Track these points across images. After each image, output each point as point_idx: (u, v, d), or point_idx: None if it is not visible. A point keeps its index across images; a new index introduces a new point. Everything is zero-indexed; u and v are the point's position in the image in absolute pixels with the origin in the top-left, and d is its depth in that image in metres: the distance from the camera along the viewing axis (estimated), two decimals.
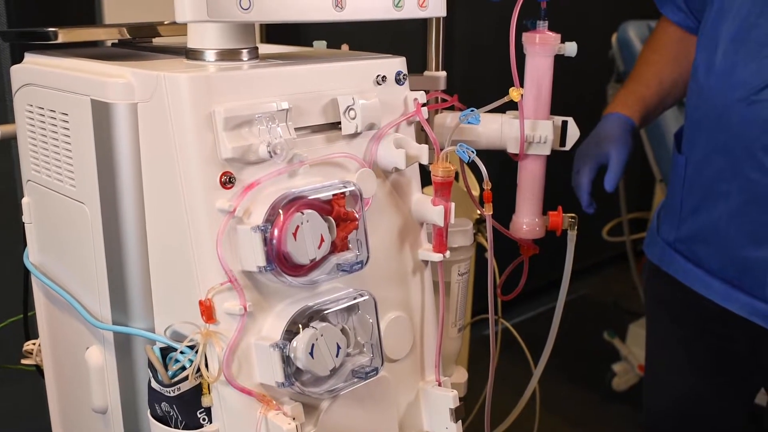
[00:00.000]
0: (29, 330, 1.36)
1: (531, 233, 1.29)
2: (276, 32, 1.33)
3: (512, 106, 1.17)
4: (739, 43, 1.29)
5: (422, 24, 1.27)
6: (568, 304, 1.45)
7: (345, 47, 1.32)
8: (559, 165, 1.43)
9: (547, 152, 1.23)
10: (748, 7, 1.28)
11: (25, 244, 1.22)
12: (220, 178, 0.92)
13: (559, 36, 1.21)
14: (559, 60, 1.23)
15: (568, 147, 1.25)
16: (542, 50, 1.20)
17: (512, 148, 1.23)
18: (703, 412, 1.58)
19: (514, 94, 1.11)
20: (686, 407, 1.59)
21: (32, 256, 1.20)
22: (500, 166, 1.28)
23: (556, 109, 1.25)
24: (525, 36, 1.21)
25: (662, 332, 1.60)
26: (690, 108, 1.44)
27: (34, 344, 1.30)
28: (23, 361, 1.33)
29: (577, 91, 2.52)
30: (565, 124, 1.24)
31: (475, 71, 2.86)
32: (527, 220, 1.28)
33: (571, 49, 1.21)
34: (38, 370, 1.31)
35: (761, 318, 1.34)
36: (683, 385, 1.57)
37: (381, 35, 1.54)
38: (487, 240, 1.55)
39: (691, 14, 1.49)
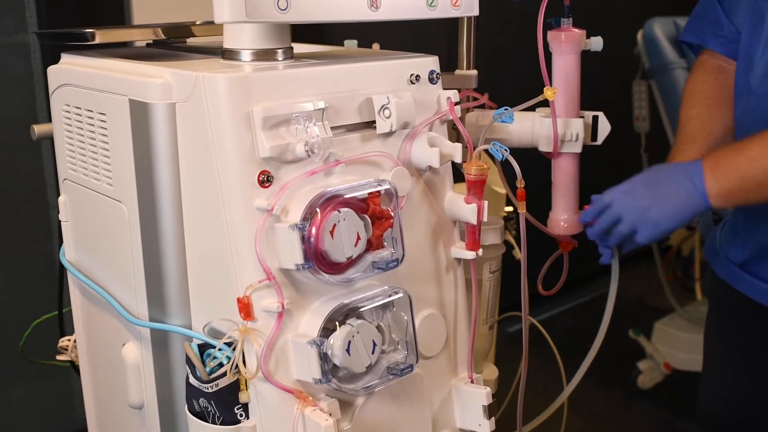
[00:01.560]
0: (64, 326, 1.38)
1: (570, 229, 1.30)
2: (302, 31, 1.33)
3: (540, 103, 1.17)
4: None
5: (447, 23, 1.27)
6: (593, 302, 1.45)
7: (376, 46, 1.32)
8: (588, 160, 1.42)
9: (579, 149, 1.23)
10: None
11: (61, 242, 1.23)
12: (258, 176, 0.93)
13: (584, 32, 1.21)
14: (585, 57, 1.23)
15: (599, 142, 1.26)
16: (569, 48, 1.21)
17: (544, 147, 1.24)
18: (762, 416, 1.57)
19: (548, 93, 1.11)
20: (745, 410, 1.58)
21: (68, 254, 1.22)
22: (529, 163, 1.28)
23: (582, 106, 1.26)
24: (551, 34, 1.21)
25: (725, 337, 1.58)
26: (739, 128, 1.38)
27: (69, 340, 1.32)
28: (58, 357, 1.34)
29: (603, 89, 2.52)
30: (596, 119, 1.24)
31: (497, 70, 2.86)
32: (565, 217, 1.29)
33: (597, 43, 1.21)
34: (73, 366, 1.33)
35: None
36: (742, 387, 1.56)
37: (401, 34, 1.54)
38: (514, 238, 1.57)
39: (733, 41, 1.43)
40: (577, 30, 1.21)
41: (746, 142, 1.18)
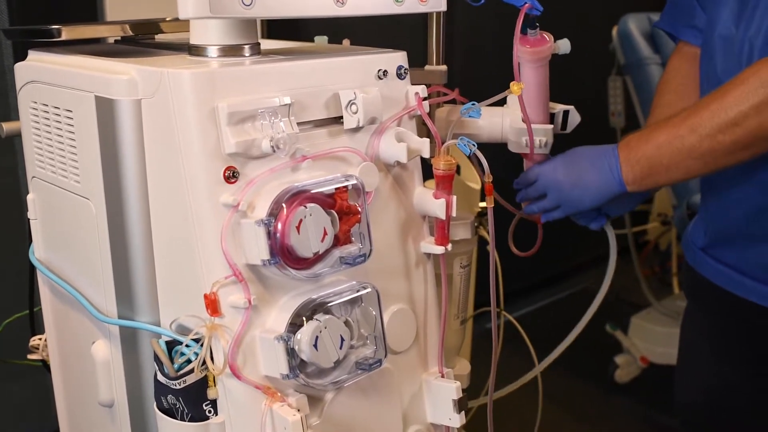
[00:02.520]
0: (35, 325, 1.37)
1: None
2: (277, 28, 1.34)
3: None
4: (728, 51, 1.28)
5: (422, 18, 1.28)
6: (570, 297, 1.46)
7: (346, 42, 1.32)
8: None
9: (547, 152, 1.25)
10: (732, 17, 1.28)
11: (30, 240, 1.22)
12: (224, 172, 0.92)
13: (551, 42, 1.20)
14: (559, 54, 1.23)
15: (568, 130, 1.28)
16: (534, 62, 1.20)
17: (512, 148, 1.25)
18: (736, 404, 1.58)
19: (514, 88, 1.11)
20: (719, 398, 1.59)
21: (38, 252, 1.21)
22: (506, 156, 1.29)
23: (558, 102, 1.27)
24: (516, 46, 1.19)
25: (696, 325, 1.60)
26: None
27: (40, 339, 1.31)
28: (30, 356, 1.34)
29: (578, 85, 2.53)
30: (566, 113, 1.25)
31: (474, 66, 2.87)
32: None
33: (564, 46, 1.21)
34: (44, 365, 1.32)
35: None
36: (716, 375, 1.57)
37: (381, 30, 1.55)
38: (488, 233, 1.57)
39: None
40: (544, 43, 1.19)
41: (655, 128, 1.23)
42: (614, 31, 2.80)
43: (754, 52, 1.21)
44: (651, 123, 1.42)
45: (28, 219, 1.21)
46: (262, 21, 1.33)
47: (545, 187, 1.28)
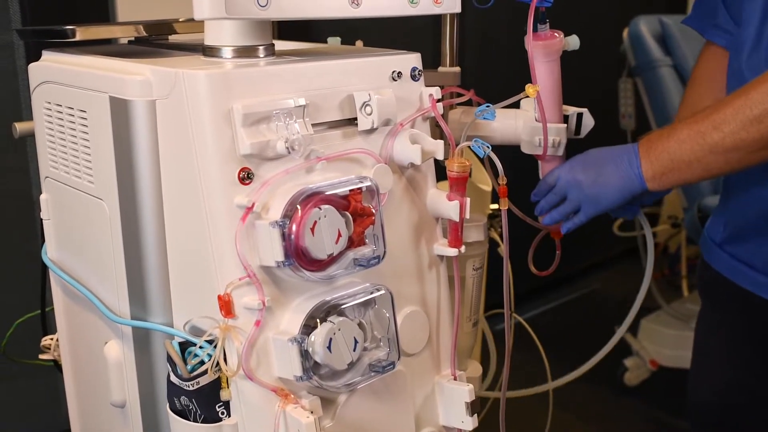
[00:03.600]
0: (47, 325, 1.38)
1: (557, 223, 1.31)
2: (288, 28, 1.34)
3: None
4: (754, 49, 1.28)
5: (433, 20, 1.27)
6: (579, 299, 1.46)
7: (359, 43, 1.32)
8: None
9: (560, 153, 1.24)
10: (759, 16, 1.28)
11: (43, 240, 1.23)
12: (239, 174, 0.92)
13: (561, 38, 1.20)
14: (571, 55, 1.23)
15: (582, 135, 1.27)
16: (546, 56, 1.21)
17: (525, 149, 1.24)
18: (748, 404, 1.58)
19: (530, 90, 1.11)
20: (731, 398, 1.59)
21: (50, 252, 1.21)
22: (519, 159, 1.29)
23: (569, 104, 1.26)
24: (527, 42, 1.19)
25: (710, 324, 1.60)
26: None
27: (51, 339, 1.31)
28: (41, 356, 1.34)
29: (589, 86, 2.53)
30: (580, 116, 1.25)
31: (486, 67, 2.86)
32: None
33: (574, 42, 1.21)
34: (56, 365, 1.32)
35: None
36: (730, 375, 1.58)
37: (392, 31, 1.55)
38: (499, 235, 1.57)
39: (729, 32, 1.47)
40: (554, 38, 1.20)
41: (677, 125, 1.21)
42: (625, 33, 2.79)
43: None
44: (676, 118, 1.43)
45: (41, 219, 1.21)
46: (273, 22, 1.33)
47: (565, 188, 1.26)
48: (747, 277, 1.41)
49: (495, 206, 1.75)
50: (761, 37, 1.25)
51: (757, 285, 1.40)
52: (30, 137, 1.23)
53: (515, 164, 1.29)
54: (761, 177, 1.30)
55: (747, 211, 1.36)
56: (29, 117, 1.22)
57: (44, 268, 1.27)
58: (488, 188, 1.78)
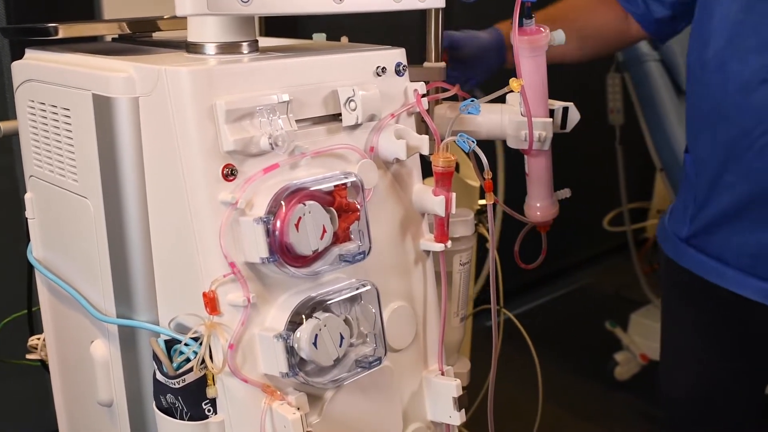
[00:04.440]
0: (33, 325, 1.37)
1: (544, 216, 1.32)
2: (275, 25, 1.33)
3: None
4: (728, 39, 1.31)
5: (420, 15, 1.27)
6: (569, 295, 1.47)
7: (344, 39, 1.32)
8: (564, 152, 1.42)
9: (546, 148, 1.24)
10: (733, 5, 1.30)
11: (28, 240, 1.22)
12: (222, 170, 0.92)
13: (547, 33, 1.20)
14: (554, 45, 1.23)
15: (568, 129, 1.27)
16: (532, 51, 1.21)
17: (511, 144, 1.24)
18: (720, 397, 1.60)
19: (514, 84, 1.11)
20: (703, 392, 1.61)
21: (36, 252, 1.21)
22: (506, 154, 1.29)
23: (558, 98, 1.26)
24: (512, 38, 1.19)
25: (680, 319, 1.62)
26: (690, 107, 1.46)
27: (38, 339, 1.31)
28: (28, 356, 1.33)
29: (576, 81, 2.53)
30: (566, 110, 1.25)
31: None
32: (539, 204, 1.31)
33: (559, 38, 1.22)
34: (43, 364, 1.32)
35: None
36: (701, 369, 1.59)
37: (379, 27, 1.54)
38: (487, 230, 1.57)
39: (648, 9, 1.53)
40: (540, 33, 1.20)
41: None
42: None
43: None
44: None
45: (26, 218, 1.21)
46: (259, 18, 1.32)
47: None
48: (716, 271, 1.42)
49: (483, 201, 1.75)
50: (736, 25, 1.28)
51: (727, 279, 1.41)
52: (14, 136, 1.23)
53: (506, 160, 1.29)
54: (730, 166, 1.33)
55: (720, 200, 1.37)
56: (13, 116, 1.21)
57: (30, 268, 1.26)
58: (476, 184, 1.78)
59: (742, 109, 1.29)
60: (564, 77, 1.39)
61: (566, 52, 1.45)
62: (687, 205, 1.49)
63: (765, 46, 1.27)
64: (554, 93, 1.26)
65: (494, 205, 1.15)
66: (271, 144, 0.92)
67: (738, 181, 1.34)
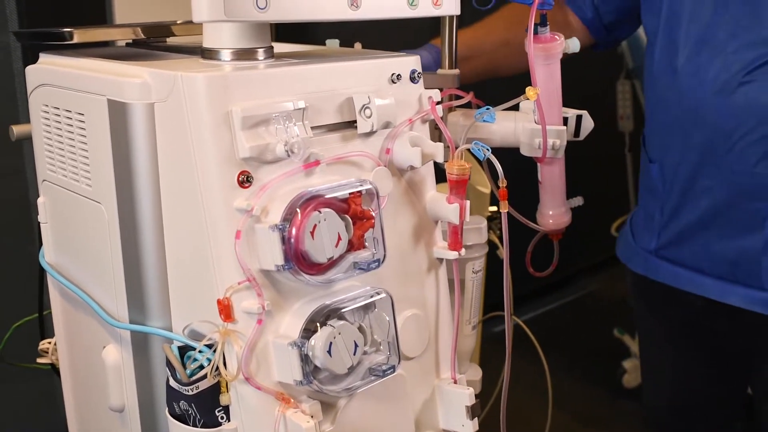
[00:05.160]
0: (44, 329, 1.37)
1: (557, 224, 1.32)
2: (285, 31, 1.33)
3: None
4: (701, 43, 1.32)
5: (432, 22, 1.27)
6: (577, 301, 1.47)
7: (358, 45, 1.32)
8: (574, 159, 1.42)
9: (560, 156, 1.24)
10: (703, 10, 1.32)
11: (40, 244, 1.22)
12: (238, 177, 0.92)
13: (561, 40, 1.20)
14: (570, 57, 1.23)
15: (581, 138, 1.27)
16: (546, 59, 1.20)
17: (525, 151, 1.24)
18: (701, 405, 1.62)
19: (530, 93, 1.11)
20: (683, 401, 1.64)
21: (48, 256, 1.21)
22: (516, 161, 1.29)
23: (568, 105, 1.26)
24: (527, 45, 1.19)
25: (653, 333, 1.65)
26: (656, 115, 1.46)
27: (49, 343, 1.31)
28: (39, 360, 1.33)
29: (587, 88, 2.53)
30: (579, 118, 1.25)
31: None
32: (552, 212, 1.31)
33: (573, 45, 1.21)
34: (53, 368, 1.31)
35: (761, 306, 1.36)
36: (679, 379, 1.62)
37: (390, 33, 1.54)
38: (498, 238, 1.56)
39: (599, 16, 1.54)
40: (554, 40, 1.20)
41: None
42: None
43: None
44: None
45: (39, 222, 1.21)
46: (270, 24, 1.32)
47: None
48: (692, 282, 1.42)
49: (493, 209, 1.74)
50: (709, 28, 1.30)
51: (706, 288, 1.41)
52: (27, 140, 1.23)
53: (514, 166, 1.29)
54: (707, 170, 1.34)
55: (696, 206, 1.38)
56: (26, 119, 1.21)
57: (42, 272, 1.26)
58: (486, 191, 1.78)
59: (720, 111, 1.30)
60: (573, 84, 1.38)
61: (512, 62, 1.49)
62: (652, 216, 1.49)
63: (743, 46, 1.28)
64: (563, 100, 1.26)
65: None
66: (287, 151, 0.92)
67: (716, 185, 1.34)
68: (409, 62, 1.08)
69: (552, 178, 1.29)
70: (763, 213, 1.31)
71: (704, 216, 1.37)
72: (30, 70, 1.15)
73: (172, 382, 0.97)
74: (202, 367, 0.95)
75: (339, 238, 0.95)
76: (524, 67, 1.19)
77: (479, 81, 1.45)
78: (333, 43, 1.32)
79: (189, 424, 0.97)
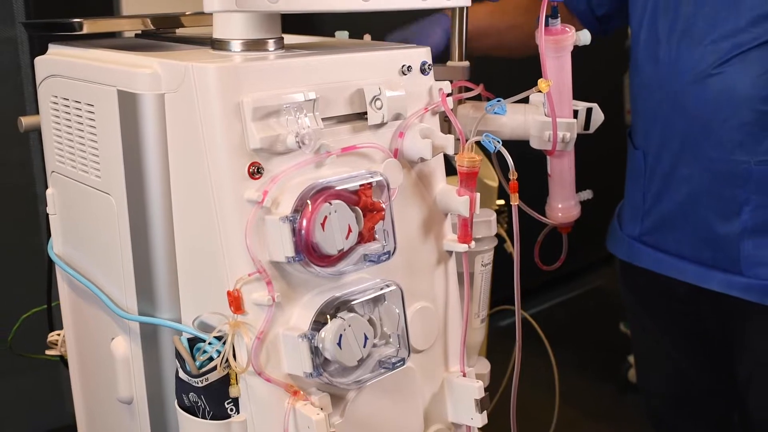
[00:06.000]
0: (53, 320, 1.37)
1: (567, 217, 1.32)
2: (292, 21, 1.33)
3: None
4: (682, 34, 1.35)
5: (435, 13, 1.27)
6: (584, 295, 1.48)
7: (367, 37, 1.31)
8: (579, 152, 1.42)
9: (570, 149, 1.24)
10: (685, 1, 1.35)
11: (49, 235, 1.22)
12: (248, 168, 0.91)
13: (572, 33, 1.20)
14: (576, 50, 1.22)
15: (591, 130, 1.27)
16: (557, 51, 1.20)
17: (535, 144, 1.24)
18: (694, 391, 1.64)
19: (542, 85, 1.10)
20: (676, 389, 1.66)
21: (56, 247, 1.20)
22: (525, 154, 1.28)
23: (575, 98, 1.26)
24: (537, 37, 1.19)
25: (640, 322, 1.67)
26: (640, 102, 1.49)
27: (58, 335, 1.31)
28: (47, 352, 1.33)
29: (594, 81, 2.52)
30: (589, 111, 1.25)
31: (495, 61, 2.85)
32: (561, 205, 1.31)
33: (585, 38, 1.21)
34: (62, 360, 1.31)
35: (739, 290, 1.38)
36: (669, 368, 1.64)
37: (392, 24, 1.54)
38: (505, 231, 1.56)
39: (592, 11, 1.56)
40: (566, 32, 1.19)
41: None
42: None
43: None
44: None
45: (47, 214, 1.20)
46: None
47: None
48: (675, 267, 1.45)
49: (501, 202, 1.74)
50: (687, 20, 1.34)
51: (687, 274, 1.44)
52: (34, 132, 1.22)
53: (521, 159, 1.28)
54: (686, 157, 1.37)
55: (678, 192, 1.40)
56: (33, 111, 1.21)
57: (50, 263, 1.26)
58: (494, 184, 1.77)
59: (698, 100, 1.33)
60: (580, 77, 1.38)
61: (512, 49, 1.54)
62: (636, 202, 1.51)
63: (720, 37, 1.30)
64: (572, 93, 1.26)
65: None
66: (297, 142, 0.92)
67: (696, 172, 1.37)
68: (419, 54, 1.07)
69: (561, 171, 1.28)
70: (741, 199, 1.34)
71: (685, 202, 1.40)
72: (39, 61, 1.15)
73: (182, 374, 0.96)
74: (211, 359, 0.94)
75: (349, 230, 0.94)
76: (533, 50, 1.20)
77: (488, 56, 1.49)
78: (342, 35, 1.31)
79: (198, 416, 0.97)
